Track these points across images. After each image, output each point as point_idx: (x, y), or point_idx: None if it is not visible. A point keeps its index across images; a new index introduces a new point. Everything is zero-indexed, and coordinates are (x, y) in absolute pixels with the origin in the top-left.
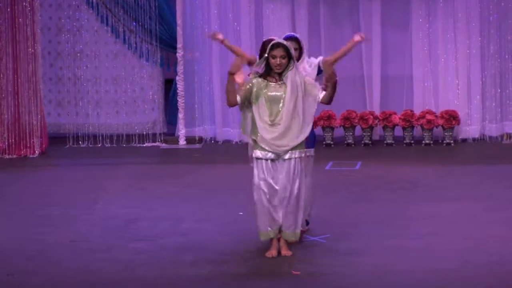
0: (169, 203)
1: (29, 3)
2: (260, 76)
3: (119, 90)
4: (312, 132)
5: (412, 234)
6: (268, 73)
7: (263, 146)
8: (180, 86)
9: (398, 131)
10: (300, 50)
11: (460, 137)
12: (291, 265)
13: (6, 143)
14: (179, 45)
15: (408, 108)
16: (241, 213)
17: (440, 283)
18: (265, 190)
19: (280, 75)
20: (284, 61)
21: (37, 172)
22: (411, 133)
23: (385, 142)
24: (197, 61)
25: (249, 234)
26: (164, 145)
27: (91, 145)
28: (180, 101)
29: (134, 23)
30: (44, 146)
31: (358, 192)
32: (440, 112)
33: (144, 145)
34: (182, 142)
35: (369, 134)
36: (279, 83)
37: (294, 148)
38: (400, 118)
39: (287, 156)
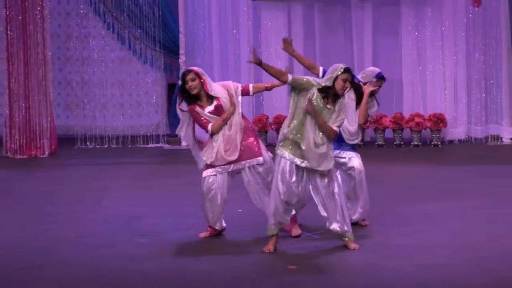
0: (172, 201)
1: (40, 11)
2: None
3: (125, 94)
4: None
5: (402, 231)
6: (326, 94)
7: (291, 148)
8: None
9: (389, 133)
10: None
11: (447, 139)
12: (287, 260)
13: (18, 144)
14: (181, 51)
15: (398, 111)
16: (241, 210)
17: (429, 278)
18: (280, 190)
19: (335, 100)
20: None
21: (46, 172)
22: (400, 135)
23: (376, 143)
24: (199, 66)
25: (249, 230)
26: (167, 146)
27: (98, 146)
28: None
29: (139, 31)
30: (53, 147)
31: None
32: (428, 115)
33: (148, 146)
34: (184, 143)
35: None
36: (329, 107)
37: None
38: (390, 121)
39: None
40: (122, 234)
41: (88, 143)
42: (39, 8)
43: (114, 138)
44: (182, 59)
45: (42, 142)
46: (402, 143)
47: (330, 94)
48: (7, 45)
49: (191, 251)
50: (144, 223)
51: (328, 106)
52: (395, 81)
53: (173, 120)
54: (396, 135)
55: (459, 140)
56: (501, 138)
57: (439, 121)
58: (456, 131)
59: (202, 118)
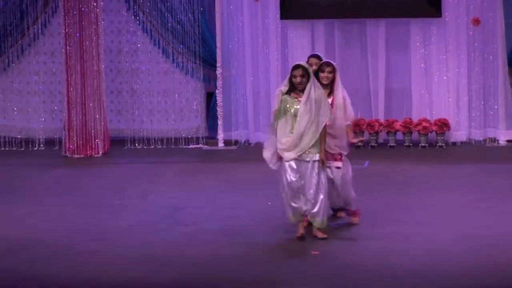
0: (210, 195)
1: (94, 29)
2: (287, 93)
3: (169, 101)
4: None
5: (410, 221)
6: (293, 90)
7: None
8: (219, 98)
9: (399, 136)
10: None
11: (450, 141)
12: (311, 246)
13: (75, 145)
14: (218, 64)
15: (407, 117)
16: (270, 203)
17: (434, 261)
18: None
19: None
20: (304, 79)
21: (100, 169)
22: (410, 138)
23: (388, 145)
24: (233, 77)
25: (277, 220)
26: (205, 147)
27: (145, 147)
28: (219, 110)
29: (181, 46)
30: (106, 147)
31: (366, 186)
32: (434, 120)
33: (189, 147)
34: (220, 144)
35: (375, 138)
36: (301, 99)
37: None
38: (400, 125)
39: (307, 158)
40: (166, 223)
41: (136, 144)
42: (94, 26)
43: (159, 140)
44: (218, 70)
45: (96, 143)
46: (411, 144)
47: (295, 89)
48: (66, 59)
49: (227, 238)
50: (185, 213)
51: (300, 98)
52: (405, 90)
53: (211, 124)
54: (406, 138)
55: (461, 142)
56: (498, 140)
57: (443, 125)
58: (458, 134)
59: None
